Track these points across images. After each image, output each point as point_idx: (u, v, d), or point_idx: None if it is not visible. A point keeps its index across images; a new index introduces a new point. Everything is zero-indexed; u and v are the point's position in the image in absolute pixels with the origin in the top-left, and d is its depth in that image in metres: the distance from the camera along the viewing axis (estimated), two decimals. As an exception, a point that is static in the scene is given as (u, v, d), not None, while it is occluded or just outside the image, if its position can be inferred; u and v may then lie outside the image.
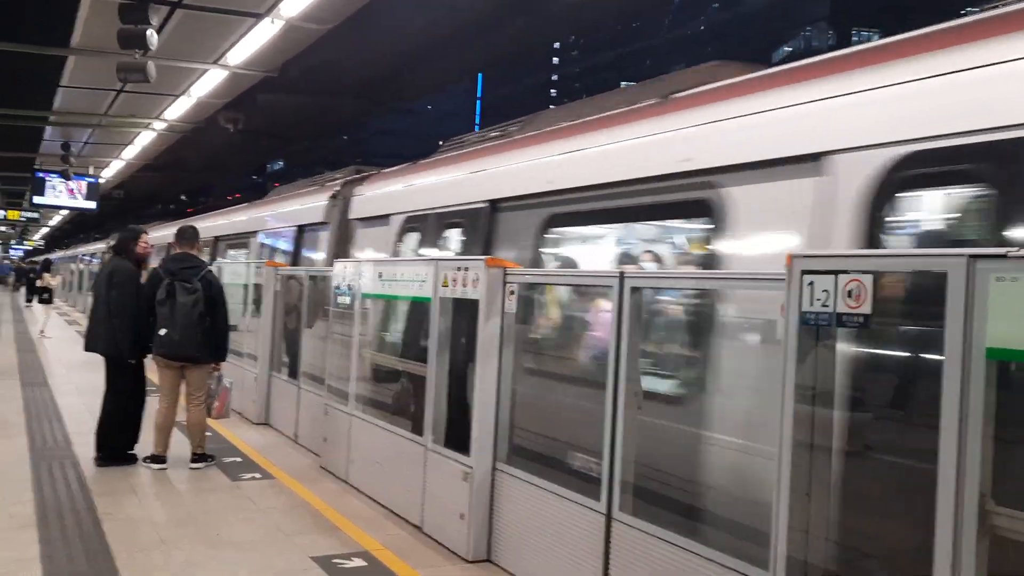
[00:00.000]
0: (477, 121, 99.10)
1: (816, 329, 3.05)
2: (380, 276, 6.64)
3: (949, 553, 2.52)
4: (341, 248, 8.90)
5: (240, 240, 13.63)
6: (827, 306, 2.95)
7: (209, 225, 14.70)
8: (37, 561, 4.69)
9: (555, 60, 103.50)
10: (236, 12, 7.41)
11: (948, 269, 2.57)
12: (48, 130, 13.96)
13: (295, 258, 10.42)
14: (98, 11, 7.30)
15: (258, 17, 7.47)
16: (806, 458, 3.08)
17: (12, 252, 62.30)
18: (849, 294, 2.89)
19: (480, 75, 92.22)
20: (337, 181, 9.91)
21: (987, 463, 2.49)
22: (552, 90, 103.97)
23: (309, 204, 10.29)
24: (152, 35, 6.97)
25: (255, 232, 12.53)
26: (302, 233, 10.34)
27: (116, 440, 7.08)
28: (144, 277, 7.33)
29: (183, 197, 34.51)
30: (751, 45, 60.19)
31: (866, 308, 2.84)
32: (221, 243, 14.88)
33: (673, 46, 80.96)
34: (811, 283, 3.01)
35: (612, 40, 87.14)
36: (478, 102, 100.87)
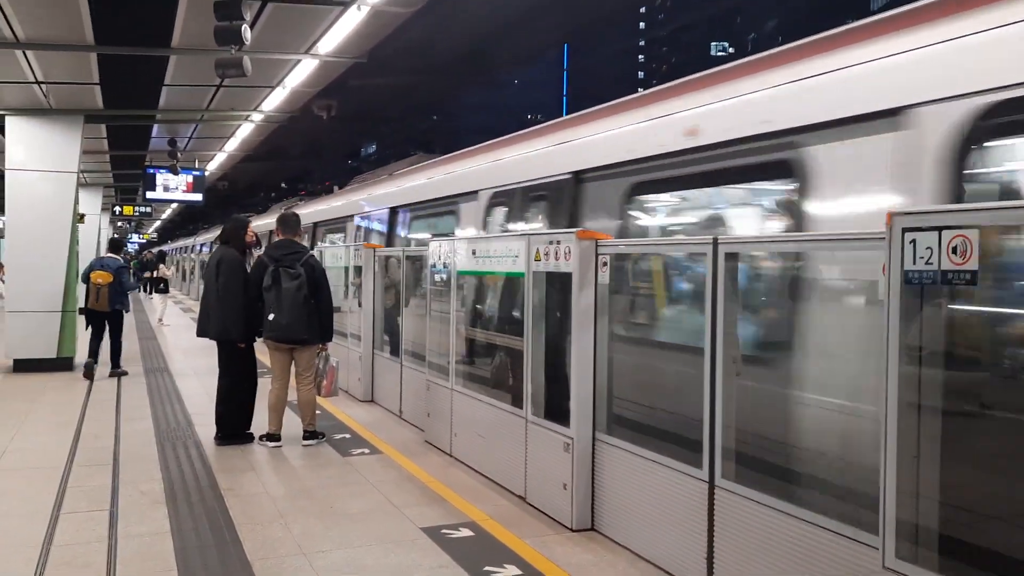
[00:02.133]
0: (564, 92, 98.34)
1: (920, 288, 2.96)
2: (474, 253, 6.74)
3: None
4: None
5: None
6: (931, 264, 2.86)
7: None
8: (169, 535, 5.01)
9: (641, 25, 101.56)
10: (324, 1, 7.57)
11: (1060, 219, 2.45)
12: (155, 128, 14.64)
13: None
14: (194, 11, 7.59)
15: (345, 5, 7.61)
16: (914, 420, 3.01)
17: (130, 246, 65.63)
18: (954, 250, 2.79)
19: (566, 45, 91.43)
20: None
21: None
22: (640, 56, 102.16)
23: None
24: (246, 30, 7.20)
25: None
26: None
27: (233, 420, 7.47)
28: (251, 264, 7.66)
29: (283, 184, 35.63)
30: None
31: (972, 264, 2.74)
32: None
33: (764, 5, 78.26)
34: (913, 241, 2.92)
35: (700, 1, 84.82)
36: (564, 73, 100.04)
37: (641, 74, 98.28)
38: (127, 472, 6.42)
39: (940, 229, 2.84)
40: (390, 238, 10.95)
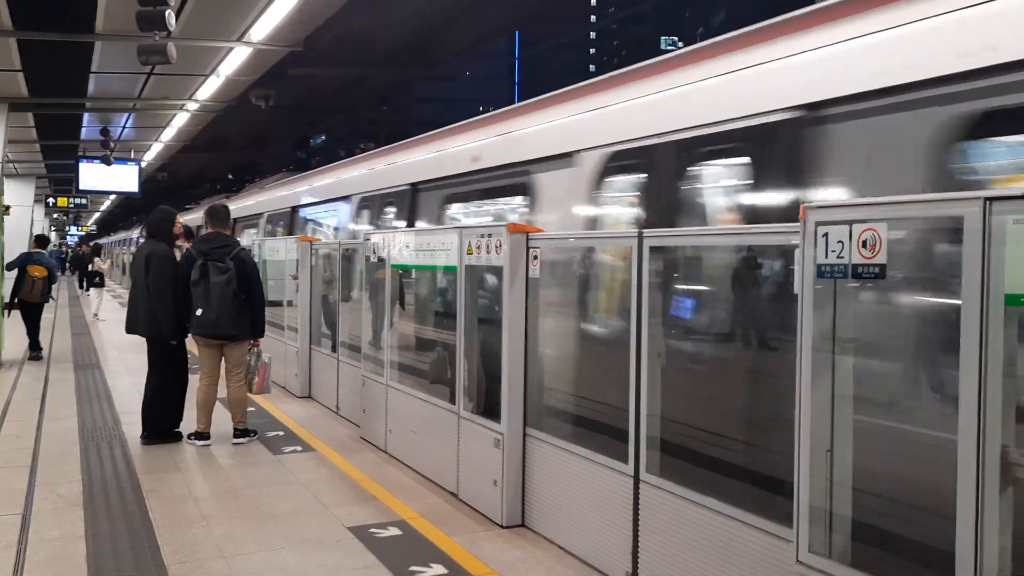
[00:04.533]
0: (516, 81, 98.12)
1: (833, 282, 2.95)
2: (408, 246, 6.63)
3: (972, 505, 2.43)
4: None
5: None
6: (842, 257, 2.85)
7: None
8: (83, 540, 4.82)
9: (592, 18, 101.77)
10: (252, -12, 7.41)
11: (964, 213, 2.45)
12: (86, 117, 14.19)
13: None
14: (117, -6, 7.35)
15: (275, -9, 7.45)
16: (826, 411, 3.00)
17: (69, 238, 63.93)
18: (864, 244, 2.78)
19: (517, 33, 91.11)
20: None
21: (1009, 413, 2.39)
22: (591, 49, 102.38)
23: None
24: (170, 16, 6.97)
25: None
26: None
27: (161, 419, 7.25)
28: (178, 258, 7.45)
29: (230, 176, 34.98)
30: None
31: (881, 258, 2.73)
32: None
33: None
34: (825, 234, 2.91)
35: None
36: (516, 62, 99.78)
37: (593, 67, 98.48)
38: (45, 474, 6.19)
39: (851, 223, 2.82)
40: None
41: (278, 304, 10.53)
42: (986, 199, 2.38)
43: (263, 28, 8.54)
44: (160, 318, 7.15)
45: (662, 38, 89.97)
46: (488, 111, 8.86)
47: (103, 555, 4.60)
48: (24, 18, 8.09)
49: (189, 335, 7.30)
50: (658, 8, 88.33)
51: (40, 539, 4.83)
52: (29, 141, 16.24)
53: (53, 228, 43.92)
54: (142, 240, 8.41)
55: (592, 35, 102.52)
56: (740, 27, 4.77)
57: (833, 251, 2.88)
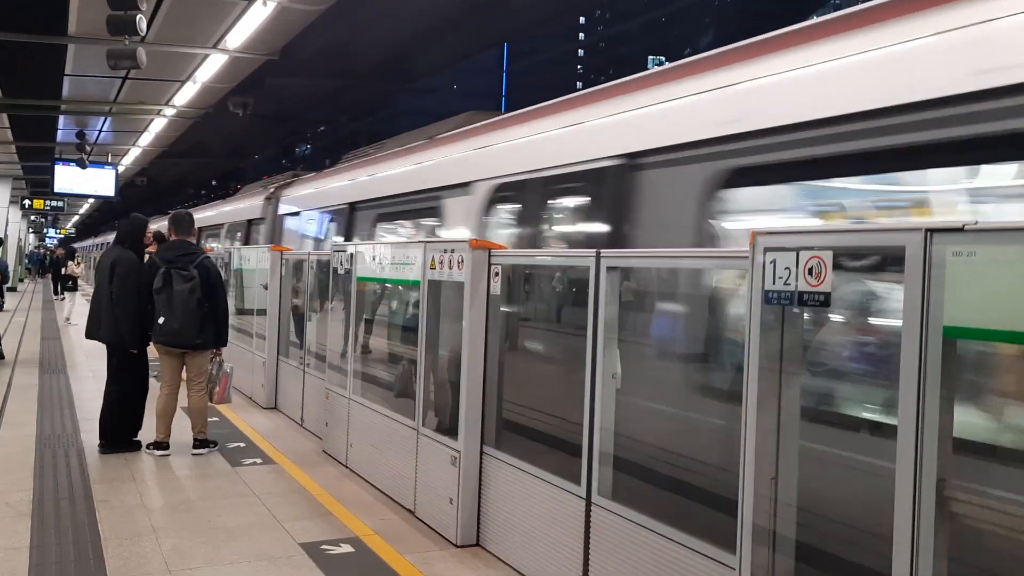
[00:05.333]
0: (504, 94, 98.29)
1: (780, 307, 2.93)
2: (374, 259, 6.58)
3: (908, 539, 2.40)
4: None
5: None
6: (789, 284, 2.83)
7: None
8: (26, 551, 4.71)
9: (581, 36, 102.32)
10: (227, -5, 7.36)
11: (906, 243, 2.43)
12: (62, 119, 14.05)
13: None
14: (89, -2, 7.29)
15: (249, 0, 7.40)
16: (772, 436, 2.97)
17: (48, 240, 63.31)
18: (810, 272, 2.76)
19: (506, 46, 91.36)
20: None
21: (946, 447, 2.37)
22: (579, 66, 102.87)
23: None
24: (141, 20, 6.91)
25: None
26: None
27: (120, 427, 7.13)
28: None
29: (213, 182, 34.76)
30: (783, 9, 58.77)
31: (827, 286, 2.71)
32: None
33: (701, 12, 79.64)
34: (773, 261, 2.89)
35: (638, 8, 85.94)
36: (504, 75, 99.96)
37: (580, 84, 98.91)
38: (-4, 482, 6.07)
39: (798, 250, 2.80)
40: None
41: (248, 312, 10.43)
42: (927, 230, 2.37)
43: (239, 36, 8.50)
44: (122, 327, 7.05)
45: (650, 58, 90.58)
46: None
47: (46, 567, 4.50)
48: (-5, 19, 8.03)
49: (151, 343, 7.20)
50: (643, 30, 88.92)
51: (-18, 550, 4.72)
52: (4, 142, 16.08)
53: (31, 230, 43.45)
54: (109, 245, 8.30)
55: (581, 52, 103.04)
56: (729, 44, 4.65)
57: (780, 277, 2.86)
